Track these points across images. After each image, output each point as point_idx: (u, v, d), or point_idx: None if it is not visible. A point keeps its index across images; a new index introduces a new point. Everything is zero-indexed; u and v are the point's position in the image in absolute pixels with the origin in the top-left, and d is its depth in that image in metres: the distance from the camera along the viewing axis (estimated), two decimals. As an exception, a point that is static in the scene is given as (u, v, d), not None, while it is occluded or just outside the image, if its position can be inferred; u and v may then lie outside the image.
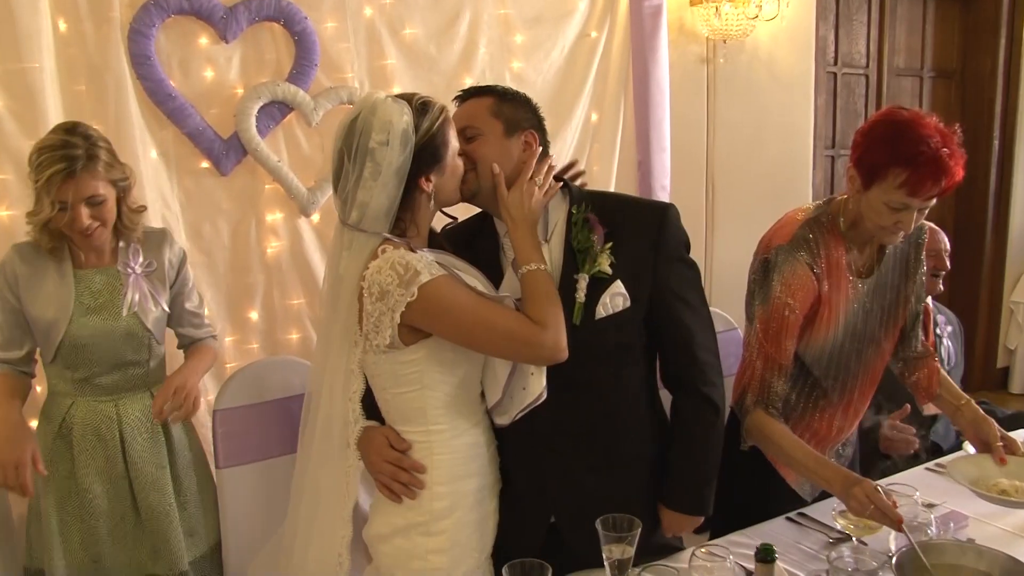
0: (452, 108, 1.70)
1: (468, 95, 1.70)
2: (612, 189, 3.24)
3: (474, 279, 1.59)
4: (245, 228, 2.72)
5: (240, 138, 2.62)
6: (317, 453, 1.66)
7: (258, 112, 2.64)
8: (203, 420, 2.47)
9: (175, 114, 2.57)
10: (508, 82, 3.00)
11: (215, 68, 2.62)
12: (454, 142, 1.60)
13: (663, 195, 3.24)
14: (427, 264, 1.49)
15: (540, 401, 1.58)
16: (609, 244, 1.62)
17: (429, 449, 1.61)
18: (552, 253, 1.66)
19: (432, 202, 1.60)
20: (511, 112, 1.67)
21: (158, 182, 2.59)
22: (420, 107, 1.54)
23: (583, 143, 3.21)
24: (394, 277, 1.47)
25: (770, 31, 3.78)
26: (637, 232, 1.64)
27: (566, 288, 1.63)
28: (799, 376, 1.96)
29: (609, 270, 1.61)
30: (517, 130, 1.65)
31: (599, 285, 1.62)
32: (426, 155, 1.54)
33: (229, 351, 2.75)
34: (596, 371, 1.65)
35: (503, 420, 1.63)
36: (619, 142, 3.20)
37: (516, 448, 1.72)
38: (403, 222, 1.57)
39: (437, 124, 1.55)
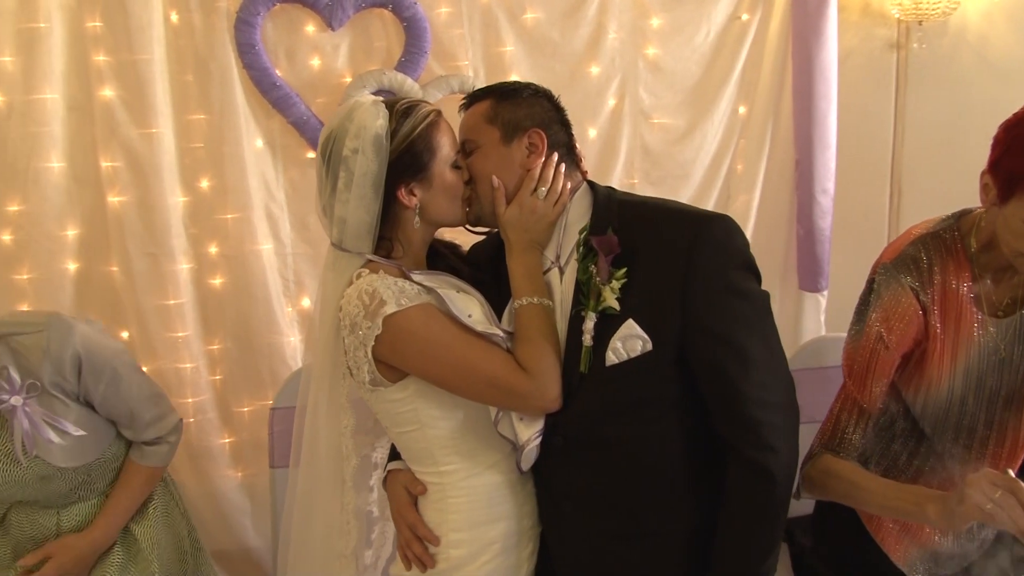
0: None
1: (468, 103, 1.51)
2: (758, 192, 2.87)
3: (474, 306, 1.41)
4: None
5: None
6: (303, 486, 1.55)
7: None
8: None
9: (280, 103, 2.55)
10: (641, 71, 2.78)
11: (321, 56, 2.59)
12: (445, 152, 1.43)
13: (824, 199, 2.82)
14: (397, 292, 1.34)
15: (533, 446, 1.39)
16: (621, 271, 1.33)
17: (442, 492, 1.47)
18: (564, 282, 1.42)
19: (418, 219, 1.43)
20: (510, 112, 1.45)
21: (263, 172, 2.60)
22: (404, 111, 1.41)
23: (727, 139, 2.87)
24: (360, 308, 1.34)
25: (981, 8, 3.17)
26: (660, 253, 1.34)
27: (575, 328, 1.38)
28: (908, 432, 1.57)
29: (616, 305, 1.33)
30: (518, 132, 1.43)
31: (609, 324, 1.35)
32: (403, 163, 1.39)
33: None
34: (612, 428, 1.39)
35: (522, 464, 1.44)
36: (769, 138, 2.83)
37: (537, 504, 1.53)
38: (388, 241, 1.44)
39: (419, 129, 1.40)
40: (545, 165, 1.40)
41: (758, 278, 1.36)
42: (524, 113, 1.44)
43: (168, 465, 1.94)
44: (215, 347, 2.61)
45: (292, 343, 2.64)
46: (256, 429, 2.58)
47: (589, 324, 1.33)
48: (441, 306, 1.35)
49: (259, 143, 2.59)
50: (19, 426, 1.62)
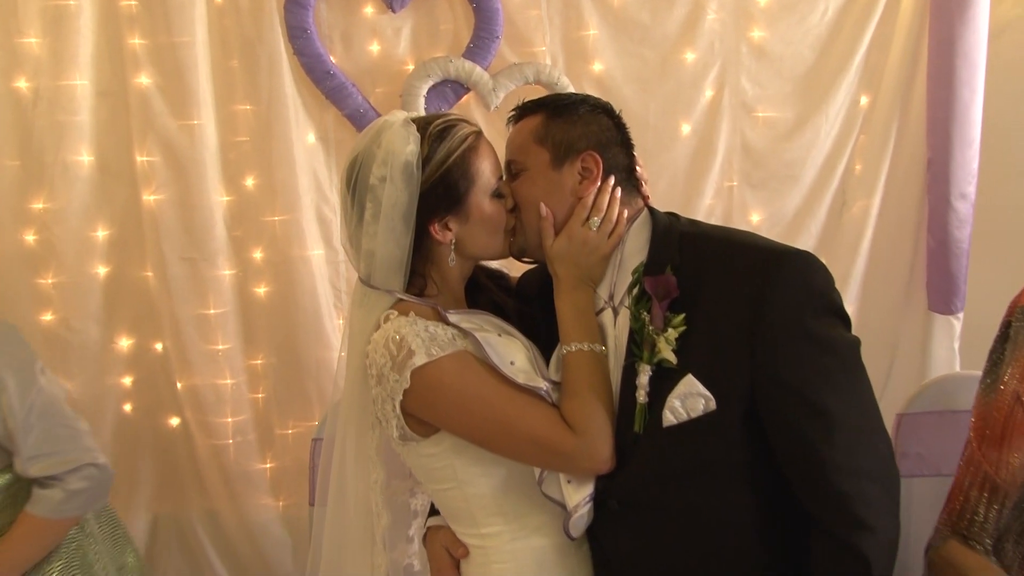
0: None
1: (517, 117, 1.38)
2: (879, 197, 2.53)
3: (517, 352, 1.30)
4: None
5: None
6: (329, 542, 1.44)
7: (428, 92, 2.39)
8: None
9: (334, 93, 2.39)
10: (744, 58, 2.50)
11: (381, 41, 2.42)
12: (485, 179, 1.31)
13: (962, 206, 2.44)
14: (428, 340, 1.24)
15: (583, 512, 1.27)
16: (679, 317, 1.21)
17: (485, 556, 1.36)
18: (619, 327, 1.30)
19: (454, 254, 1.33)
20: (563, 132, 1.32)
21: (315, 170, 2.44)
22: (438, 133, 1.29)
23: (844, 135, 2.54)
24: (387, 358, 1.25)
25: None
26: (726, 296, 1.21)
27: (628, 379, 1.26)
28: None
29: (672, 359, 1.21)
30: (570, 155, 1.31)
31: (667, 379, 1.22)
32: (436, 195, 1.28)
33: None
34: (672, 493, 1.25)
35: (571, 531, 1.30)
36: (895, 134, 2.48)
37: (593, 571, 1.39)
38: (422, 277, 1.34)
39: (455, 155, 1.28)
40: (600, 191, 1.29)
41: (846, 323, 1.21)
42: (579, 132, 1.32)
43: (72, 519, 1.64)
44: (258, 362, 2.46)
45: (343, 359, 2.33)
46: (300, 453, 2.43)
47: (643, 378, 1.22)
48: (479, 353, 1.25)
49: (311, 138, 2.43)
50: None
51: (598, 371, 1.26)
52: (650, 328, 1.21)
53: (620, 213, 1.30)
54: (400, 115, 1.33)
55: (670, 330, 1.20)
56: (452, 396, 1.24)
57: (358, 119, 2.42)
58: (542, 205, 1.29)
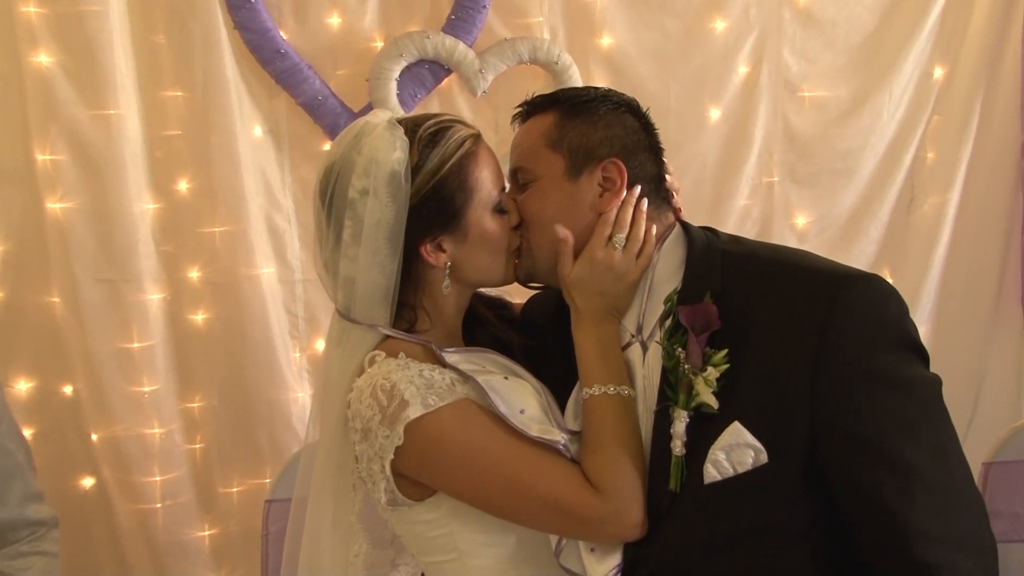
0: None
1: (525, 114, 1.31)
2: (958, 191, 2.35)
3: (527, 397, 1.23)
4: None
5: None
6: None
7: (401, 75, 2.20)
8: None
9: (286, 77, 2.18)
10: (786, 25, 2.35)
11: (343, 13, 2.22)
12: (486, 191, 1.25)
13: None
14: (423, 387, 1.17)
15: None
16: (722, 353, 1.12)
17: None
18: (649, 365, 1.23)
19: (448, 280, 1.26)
20: (581, 135, 1.24)
21: (263, 170, 2.24)
22: (430, 137, 1.23)
23: (913, 117, 2.36)
24: (375, 409, 1.17)
25: None
26: (780, 328, 1.12)
27: (661, 427, 1.17)
28: None
29: (712, 403, 1.12)
30: (589, 162, 1.23)
31: (708, 427, 1.14)
32: (428, 210, 1.22)
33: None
34: (718, 564, 1.17)
35: None
36: (979, 113, 2.30)
37: None
38: (411, 310, 1.27)
39: (451, 163, 1.22)
40: (624, 204, 1.23)
41: (923, 359, 1.14)
42: (600, 136, 1.24)
43: None
44: (195, 406, 2.25)
45: (301, 401, 2.27)
46: (249, 517, 2.21)
47: (679, 426, 1.15)
48: (483, 401, 1.20)
49: (258, 131, 2.23)
50: None
51: (626, 419, 1.20)
52: (686, 367, 1.14)
53: (648, 229, 1.22)
54: (383, 115, 1.27)
55: (710, 369, 1.12)
56: (454, 453, 1.18)
57: (315, 108, 2.20)
58: (559, 227, 1.22)
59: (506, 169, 1.30)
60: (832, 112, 2.35)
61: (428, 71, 2.21)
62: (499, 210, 1.27)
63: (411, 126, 1.24)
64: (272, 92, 2.19)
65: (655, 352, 1.21)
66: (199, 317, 2.21)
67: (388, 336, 1.24)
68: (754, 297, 1.15)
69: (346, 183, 1.22)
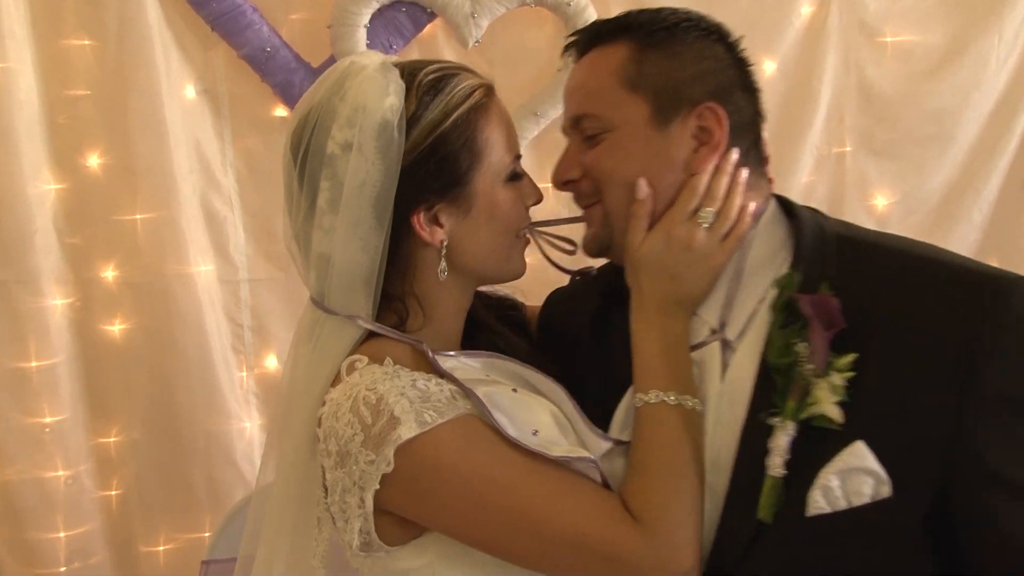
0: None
1: (585, 44, 1.15)
2: None
3: (540, 413, 1.09)
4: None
5: None
6: None
7: (372, 21, 1.98)
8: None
9: (225, 23, 1.94)
10: None
11: None
12: (499, 154, 1.13)
13: None
14: (418, 399, 1.04)
15: None
16: (847, 358, 1.01)
17: None
18: (739, 365, 1.09)
19: (445, 264, 1.12)
20: (664, 71, 1.08)
21: (198, 140, 2.01)
22: (431, 84, 1.10)
23: None
24: (356, 427, 1.03)
25: None
26: (919, 337, 1.00)
27: (752, 443, 1.05)
28: None
29: (836, 416, 1.00)
30: (681, 107, 1.08)
31: (819, 445, 1.01)
32: (424, 171, 1.09)
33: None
34: None
35: None
36: None
37: None
38: (399, 302, 1.13)
39: (456, 116, 1.10)
40: (718, 169, 1.08)
41: None
42: (690, 73, 1.08)
43: None
44: (111, 441, 2.00)
45: (247, 433, 2.02)
46: None
47: (782, 439, 1.01)
48: (487, 418, 1.06)
49: (190, 91, 1.99)
50: None
51: (685, 437, 1.07)
52: (808, 367, 1.02)
53: (744, 206, 1.10)
54: (375, 57, 1.16)
55: (834, 374, 1.01)
56: (454, 482, 1.05)
57: (263, 62, 1.94)
58: (642, 183, 1.09)
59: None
60: (921, 63, 2.07)
61: (406, 15, 1.98)
62: (514, 176, 1.15)
63: (409, 70, 1.13)
64: (208, 42, 1.98)
65: (746, 353, 1.09)
66: (115, 328, 1.99)
67: (371, 333, 1.13)
68: (880, 295, 1.04)
69: (325, 135, 1.11)
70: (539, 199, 1.17)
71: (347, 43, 1.91)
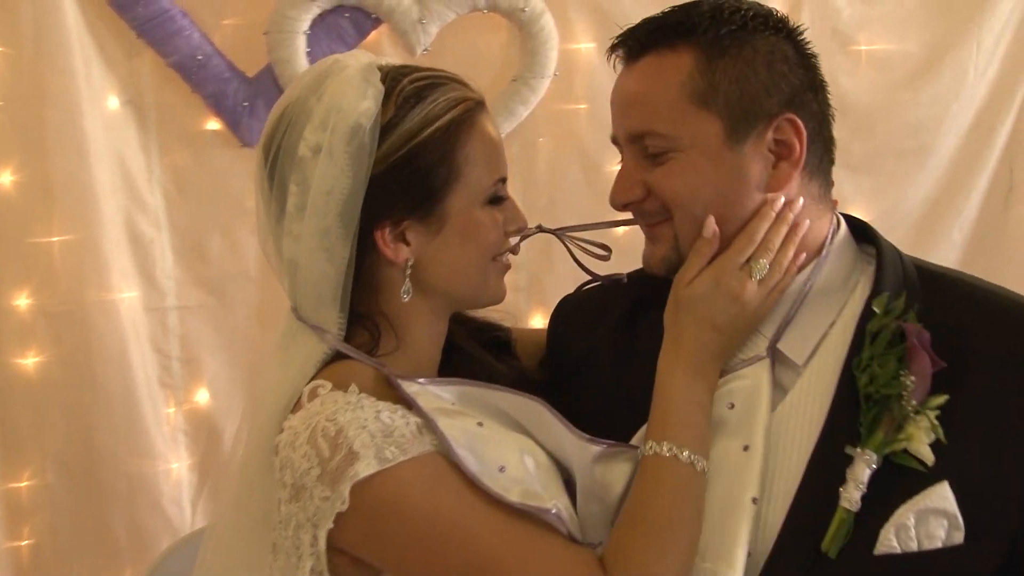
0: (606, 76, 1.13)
1: (639, 47, 1.05)
2: None
3: (509, 449, 1.06)
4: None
5: (278, 77, 1.91)
6: None
7: (313, 27, 1.91)
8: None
9: (153, 28, 1.87)
10: None
11: None
12: (478, 176, 1.07)
13: None
14: (379, 435, 0.99)
15: None
16: (943, 398, 0.97)
17: None
18: (807, 389, 1.05)
19: (409, 285, 1.08)
20: (737, 82, 1.00)
21: (122, 155, 1.91)
22: (414, 91, 1.05)
23: (1013, 71, 2.03)
24: (313, 459, 0.99)
25: None
26: (1007, 381, 0.98)
27: (823, 472, 1.01)
28: None
29: (929, 455, 0.96)
30: (757, 122, 1.01)
31: (898, 482, 0.98)
32: (394, 183, 1.04)
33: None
34: None
35: None
36: None
37: None
38: (371, 322, 1.09)
39: (435, 128, 1.05)
40: (779, 218, 1.03)
41: None
42: (764, 80, 1.00)
43: None
44: (22, 485, 1.90)
45: (175, 475, 1.92)
46: None
47: (863, 472, 0.98)
48: (451, 453, 1.02)
49: (113, 102, 1.91)
50: None
51: (689, 498, 1.03)
52: (911, 403, 0.97)
53: (797, 255, 1.05)
54: (362, 58, 1.11)
55: (927, 412, 0.98)
56: (414, 525, 1.00)
57: (194, 71, 1.88)
58: (710, 222, 1.02)
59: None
60: (898, 71, 2.02)
61: (349, 21, 1.91)
62: (495, 199, 1.11)
63: (394, 75, 1.09)
64: (133, 49, 1.88)
65: (817, 376, 1.05)
66: (29, 361, 1.88)
67: (338, 353, 1.09)
68: (969, 333, 1.01)
69: (297, 136, 1.07)
70: (522, 226, 1.12)
71: (285, 51, 1.83)
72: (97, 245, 1.84)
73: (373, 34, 1.90)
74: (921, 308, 1.02)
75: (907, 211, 2.02)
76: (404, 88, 1.06)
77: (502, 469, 1.04)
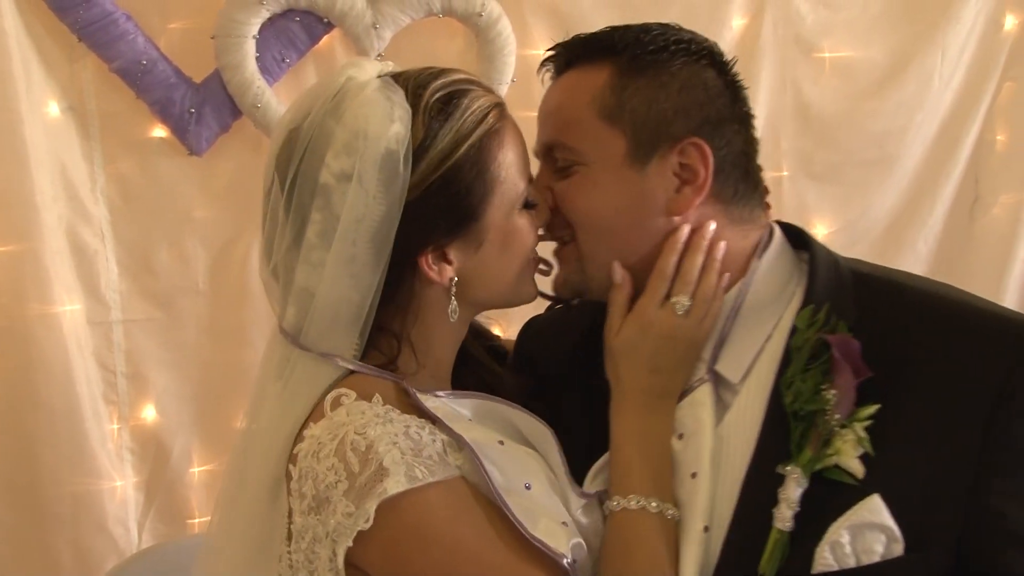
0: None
1: (563, 63, 1.10)
2: None
3: (531, 469, 1.04)
4: (237, 256, 1.95)
5: (227, 83, 1.86)
6: None
7: (263, 31, 1.86)
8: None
9: (95, 32, 1.82)
10: None
11: None
12: (512, 182, 1.06)
13: None
14: (410, 452, 0.98)
15: None
16: (872, 408, 0.96)
17: None
18: (743, 408, 1.06)
19: (455, 303, 1.06)
20: (647, 101, 1.02)
21: (63, 163, 1.87)
22: (439, 105, 1.02)
23: (978, 80, 2.02)
24: (340, 472, 0.97)
25: None
26: (940, 390, 0.98)
27: (757, 492, 1.01)
28: None
29: (859, 468, 0.97)
30: (660, 144, 1.02)
31: (831, 498, 0.99)
32: (433, 208, 1.02)
33: (198, 492, 1.96)
34: None
35: None
36: None
37: None
38: (394, 339, 1.07)
39: (467, 145, 1.03)
40: (690, 247, 1.03)
41: None
42: (674, 104, 1.02)
43: None
44: None
45: (120, 493, 1.85)
46: None
47: (794, 491, 0.98)
48: (475, 475, 1.01)
49: (53, 109, 1.86)
50: None
51: (663, 550, 1.01)
52: (835, 416, 0.97)
53: (720, 279, 1.04)
54: (370, 68, 1.06)
55: (855, 424, 0.97)
56: (433, 550, 0.99)
57: (139, 76, 1.81)
58: (616, 268, 1.04)
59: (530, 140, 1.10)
60: (862, 80, 2.00)
61: (300, 25, 1.85)
62: (528, 204, 1.10)
63: (413, 88, 1.05)
64: (74, 54, 1.83)
65: (752, 395, 1.04)
66: None
67: (353, 372, 1.06)
68: (901, 340, 1.01)
69: (318, 161, 1.03)
70: (547, 219, 1.10)
71: (234, 56, 1.79)
72: (38, 257, 1.79)
73: (325, 39, 1.86)
74: (856, 314, 1.01)
75: (872, 221, 2.01)
76: (430, 103, 1.03)
77: (528, 486, 1.03)
